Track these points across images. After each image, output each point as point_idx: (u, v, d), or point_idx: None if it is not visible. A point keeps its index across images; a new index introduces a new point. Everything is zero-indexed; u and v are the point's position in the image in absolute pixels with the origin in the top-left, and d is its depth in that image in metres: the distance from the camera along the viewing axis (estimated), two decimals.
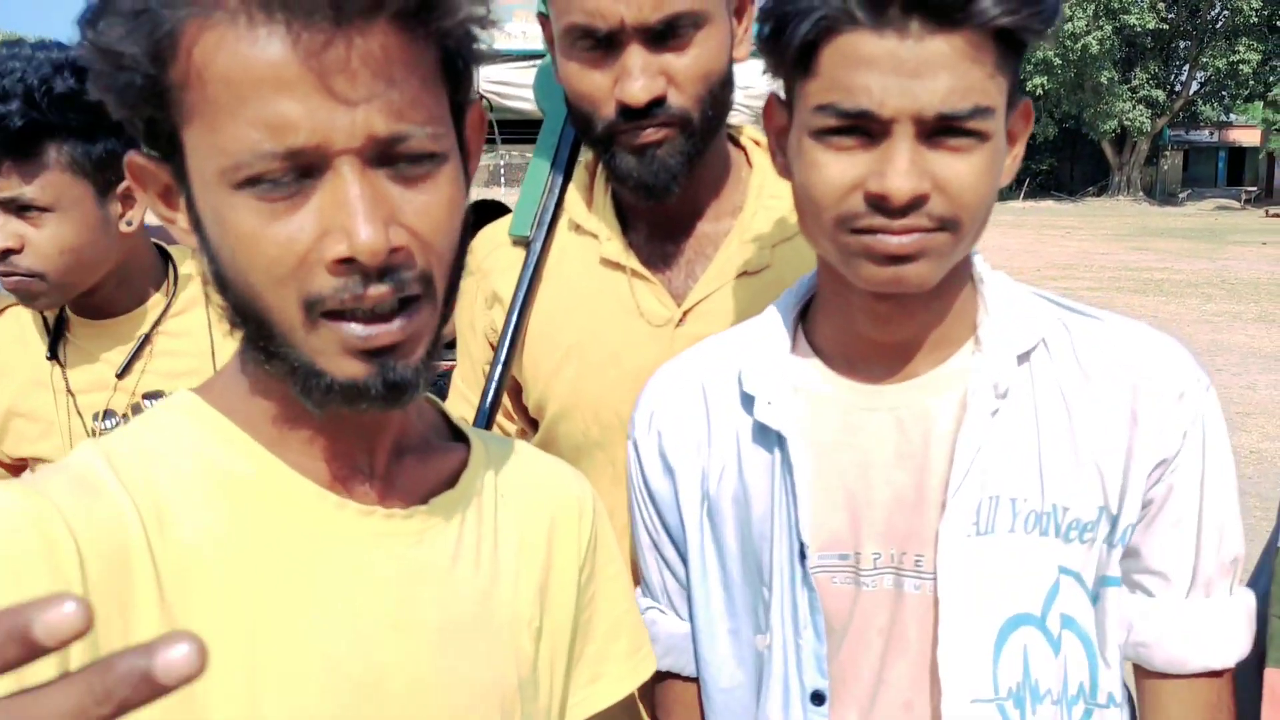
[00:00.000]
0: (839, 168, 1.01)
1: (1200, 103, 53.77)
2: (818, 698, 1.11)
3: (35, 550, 0.71)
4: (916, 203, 0.98)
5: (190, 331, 1.78)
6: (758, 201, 1.50)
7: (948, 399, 1.11)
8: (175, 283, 1.81)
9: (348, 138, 0.73)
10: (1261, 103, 45.89)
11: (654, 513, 1.26)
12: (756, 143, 1.57)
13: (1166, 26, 50.11)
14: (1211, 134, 56.82)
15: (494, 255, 1.60)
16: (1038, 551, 1.08)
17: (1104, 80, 50.65)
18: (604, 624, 1.06)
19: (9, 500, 0.74)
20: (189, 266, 1.82)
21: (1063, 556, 1.08)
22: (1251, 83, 47.69)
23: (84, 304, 1.74)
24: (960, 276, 1.12)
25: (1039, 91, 54.96)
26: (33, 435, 1.75)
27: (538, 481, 1.03)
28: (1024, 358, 1.11)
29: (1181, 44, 52.11)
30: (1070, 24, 49.81)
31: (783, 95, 1.10)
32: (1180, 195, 52.18)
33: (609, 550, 1.08)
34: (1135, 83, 51.48)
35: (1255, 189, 51.78)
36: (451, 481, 0.94)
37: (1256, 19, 46.26)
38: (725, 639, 1.21)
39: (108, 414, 1.73)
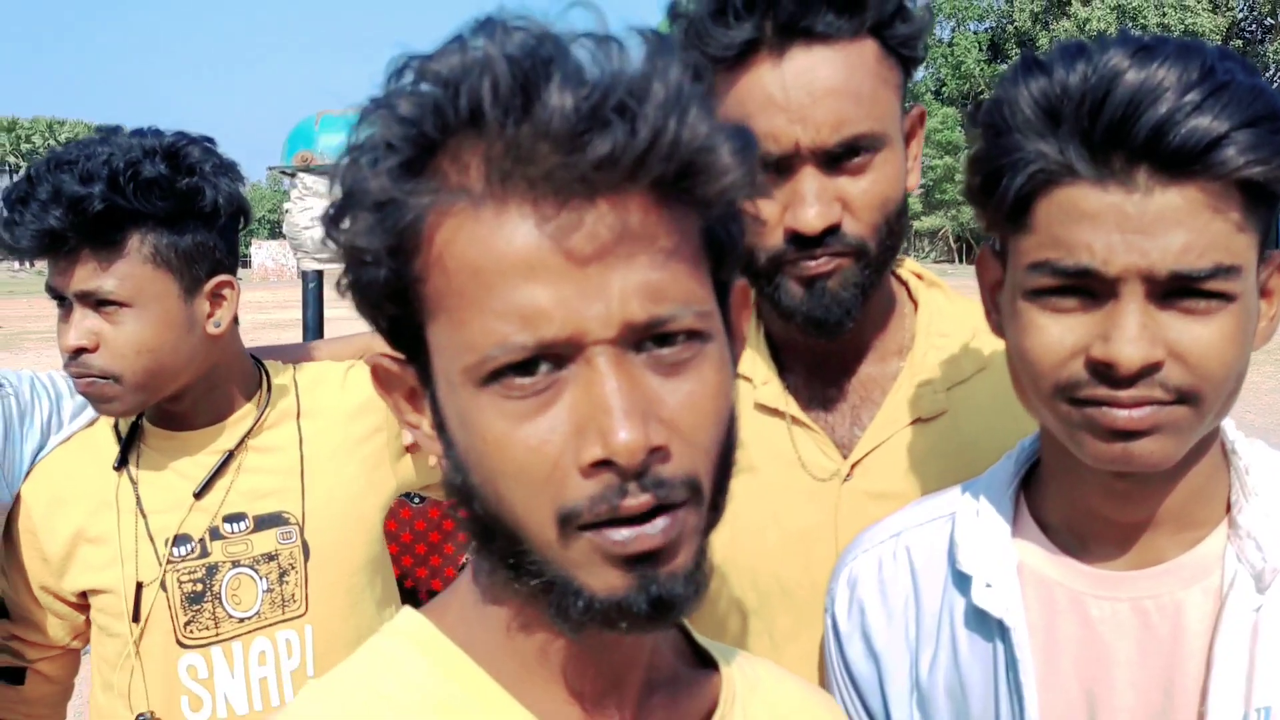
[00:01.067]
0: (1058, 331, 0.93)
1: None
2: None
3: None
4: (1147, 371, 0.89)
5: (281, 448, 1.68)
6: (927, 340, 1.39)
7: (1198, 590, 0.99)
8: (269, 393, 1.71)
9: (603, 326, 0.66)
10: None
11: (855, 696, 1.16)
12: (918, 275, 1.46)
13: None
14: None
15: None
16: None
17: None
18: None
19: None
20: (285, 377, 1.73)
21: None
22: None
23: (164, 412, 1.64)
24: (1209, 448, 1.01)
25: None
26: (97, 563, 1.61)
27: (786, 712, 0.91)
28: None
29: None
30: None
31: (996, 247, 1.02)
32: None
33: None
34: None
35: None
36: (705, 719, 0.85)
37: None
38: None
39: (182, 539, 1.62)
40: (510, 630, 0.77)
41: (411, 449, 1.76)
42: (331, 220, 0.71)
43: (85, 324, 1.50)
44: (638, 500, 0.67)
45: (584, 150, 0.63)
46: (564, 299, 0.65)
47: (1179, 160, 0.85)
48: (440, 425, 0.74)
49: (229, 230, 1.62)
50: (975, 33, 60.05)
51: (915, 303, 1.44)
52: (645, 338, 0.68)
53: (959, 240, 60.52)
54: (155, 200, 1.49)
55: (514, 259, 0.65)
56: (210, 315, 1.60)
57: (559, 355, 0.67)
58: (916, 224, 60.65)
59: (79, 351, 1.50)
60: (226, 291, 1.62)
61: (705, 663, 0.90)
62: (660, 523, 0.68)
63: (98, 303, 1.51)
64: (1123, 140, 0.87)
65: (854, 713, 1.16)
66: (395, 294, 0.71)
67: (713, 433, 0.71)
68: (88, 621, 1.70)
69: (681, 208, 0.68)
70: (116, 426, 1.68)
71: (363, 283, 0.71)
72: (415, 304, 0.71)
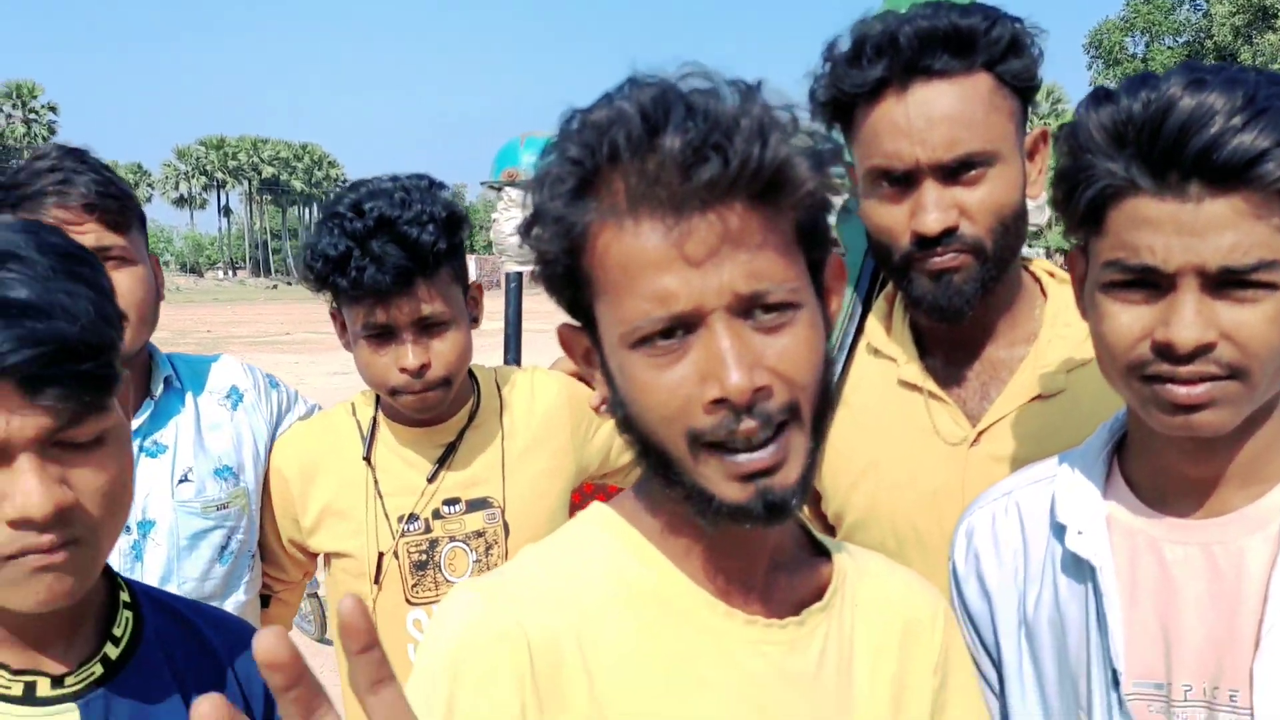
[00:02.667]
0: (1127, 319, 1.08)
1: None
2: None
3: (508, 671, 0.93)
4: (1202, 351, 1.03)
5: (486, 444, 1.92)
6: (1052, 330, 1.57)
7: (1260, 537, 1.12)
8: (479, 396, 1.95)
9: (716, 298, 0.88)
10: None
11: (972, 631, 1.32)
12: (1050, 273, 1.64)
13: None
14: None
15: None
16: None
17: None
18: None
19: (487, 614, 0.96)
20: (489, 383, 1.98)
21: None
22: None
23: (397, 411, 1.89)
24: (1270, 414, 1.13)
25: None
26: (342, 532, 1.89)
27: (891, 594, 1.11)
28: None
29: None
30: None
31: (1080, 245, 1.17)
32: None
33: (961, 658, 1.15)
34: None
35: None
36: (818, 594, 1.05)
37: None
38: None
39: (411, 518, 1.88)
40: (666, 528, 1.01)
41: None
42: (524, 231, 0.96)
43: (419, 345, 1.75)
44: (748, 426, 0.88)
45: (691, 177, 0.85)
46: (687, 284, 0.87)
47: (1225, 174, 1.00)
48: (608, 376, 0.97)
49: None
50: (1170, 48, 57.33)
51: (1045, 296, 1.62)
52: (750, 307, 0.89)
53: None
54: (460, 234, 1.77)
55: (649, 258, 0.88)
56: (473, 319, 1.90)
57: (688, 323, 0.89)
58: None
59: (422, 370, 1.75)
60: (477, 294, 1.91)
61: (823, 554, 1.10)
62: (771, 449, 0.90)
63: (427, 326, 1.76)
64: (1177, 159, 1.02)
65: (971, 645, 1.30)
66: (570, 283, 0.95)
67: (808, 375, 0.92)
68: (314, 564, 2.05)
69: (772, 210, 0.89)
70: (354, 414, 1.94)
71: (548, 275, 0.96)
72: (585, 289, 0.94)
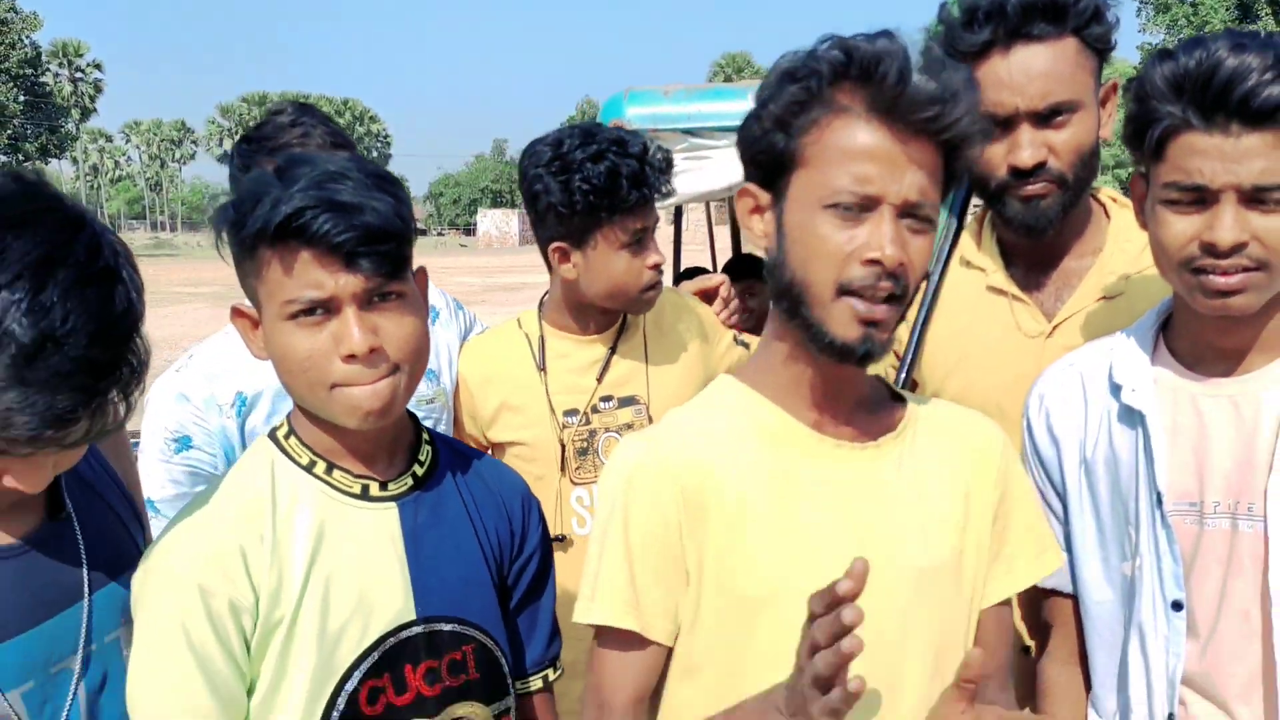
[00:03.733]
0: (1181, 226, 1.43)
1: None
2: (1177, 606, 1.47)
3: (668, 491, 1.33)
4: (1238, 248, 1.38)
5: (634, 351, 2.29)
6: (1115, 245, 1.93)
7: (1275, 390, 1.48)
8: (627, 315, 2.30)
9: (895, 196, 1.25)
10: None
11: (1041, 471, 1.69)
12: (1114, 199, 2.00)
13: None
14: None
15: None
16: None
17: None
18: (1017, 530, 1.46)
19: (651, 451, 1.37)
20: (662, 309, 2.33)
21: None
22: None
23: (574, 320, 2.27)
24: None
25: None
26: (515, 425, 2.25)
27: (958, 427, 1.47)
28: None
29: None
30: None
31: (1143, 171, 1.49)
32: None
33: (1019, 476, 1.49)
34: None
35: None
36: (893, 428, 1.41)
37: None
38: (1097, 565, 1.61)
39: (572, 412, 2.25)
40: (776, 384, 1.38)
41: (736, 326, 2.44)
42: (763, 100, 1.30)
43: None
44: (887, 284, 1.24)
45: (922, 112, 1.23)
46: (882, 176, 1.23)
47: (1260, 117, 1.34)
48: (779, 228, 1.32)
49: None
50: None
51: (1109, 217, 1.98)
52: (910, 212, 1.25)
53: None
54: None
55: (863, 149, 1.24)
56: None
57: (869, 204, 1.24)
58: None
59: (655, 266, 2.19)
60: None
61: (900, 401, 1.46)
62: (886, 308, 1.26)
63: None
64: (1223, 104, 1.35)
65: (1039, 482, 1.67)
66: (776, 156, 1.29)
67: (920, 271, 1.28)
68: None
69: (936, 147, 1.27)
70: (521, 328, 2.31)
71: (764, 144, 1.30)
72: (788, 160, 1.29)
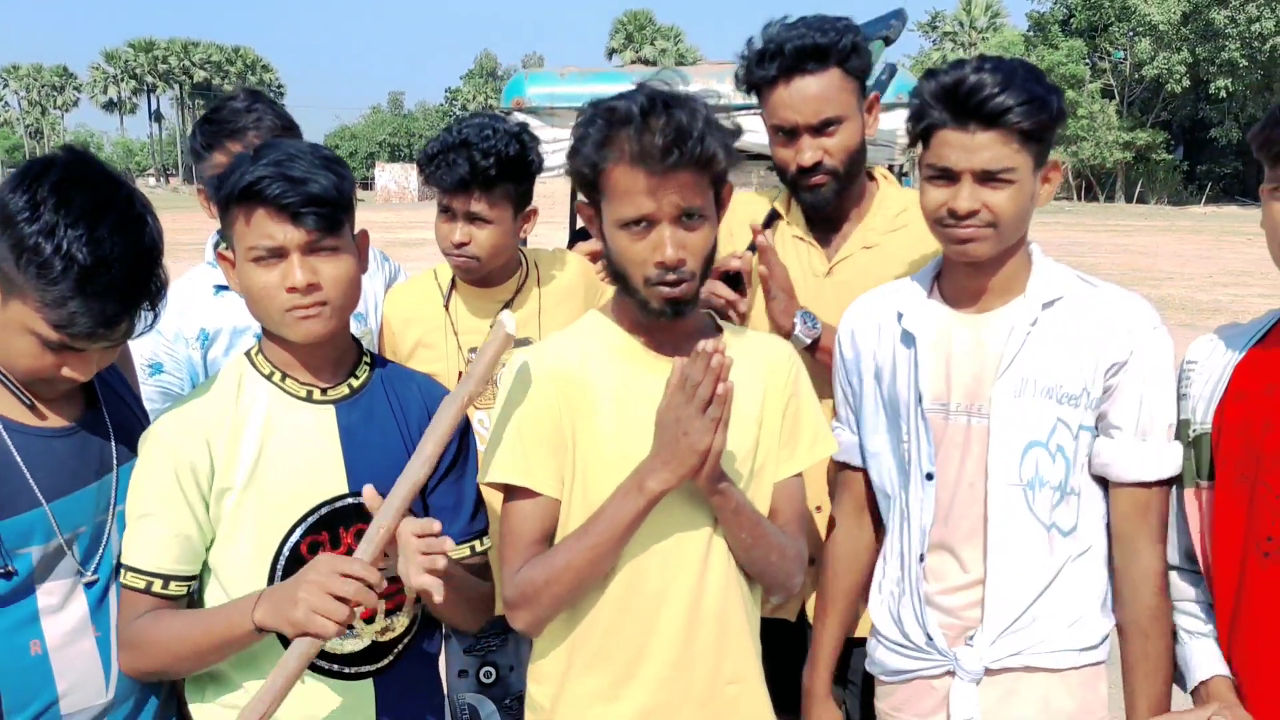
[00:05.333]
0: (936, 195, 1.93)
1: None
2: (930, 476, 2.00)
3: (548, 381, 1.83)
4: (972, 214, 1.89)
5: (530, 300, 2.74)
6: (877, 209, 2.54)
7: (1005, 323, 1.98)
8: (526, 267, 2.78)
9: (669, 211, 1.72)
10: None
11: (844, 375, 2.21)
12: (885, 176, 2.63)
13: None
14: None
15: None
16: (1046, 408, 1.93)
17: None
18: (801, 423, 1.95)
19: (536, 356, 1.86)
20: (530, 258, 2.81)
21: (1059, 412, 1.93)
22: None
23: (467, 279, 2.73)
24: (1018, 255, 2.00)
25: (1223, 94, 52.90)
26: (428, 359, 2.63)
27: (760, 347, 1.97)
28: (1049, 305, 1.97)
29: None
30: (1258, 24, 48.04)
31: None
32: None
33: (804, 383, 1.97)
34: None
35: None
36: None
37: None
38: (884, 442, 2.12)
39: (475, 350, 2.69)
40: (626, 318, 1.86)
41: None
42: (571, 155, 1.77)
43: (464, 230, 2.57)
44: (671, 278, 1.73)
45: (667, 157, 1.66)
46: (653, 202, 1.69)
47: (990, 119, 1.85)
48: (604, 240, 1.79)
49: None
50: None
51: (879, 188, 2.57)
52: (684, 218, 1.72)
53: (1079, 176, 59.45)
54: (515, 167, 2.59)
55: (635, 187, 1.69)
56: (521, 229, 2.73)
57: (646, 221, 1.71)
58: None
59: (461, 245, 2.57)
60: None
61: (719, 330, 1.94)
62: (683, 287, 1.74)
63: (471, 219, 2.55)
64: (965, 109, 1.84)
65: (843, 384, 2.20)
66: (590, 186, 1.76)
67: (703, 252, 1.78)
68: None
69: (703, 171, 1.71)
70: (436, 278, 2.76)
71: (579, 179, 1.78)
72: (598, 191, 1.75)
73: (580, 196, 1.88)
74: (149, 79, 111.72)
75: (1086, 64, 59.60)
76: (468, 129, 2.52)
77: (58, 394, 1.81)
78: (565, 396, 1.82)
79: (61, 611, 1.78)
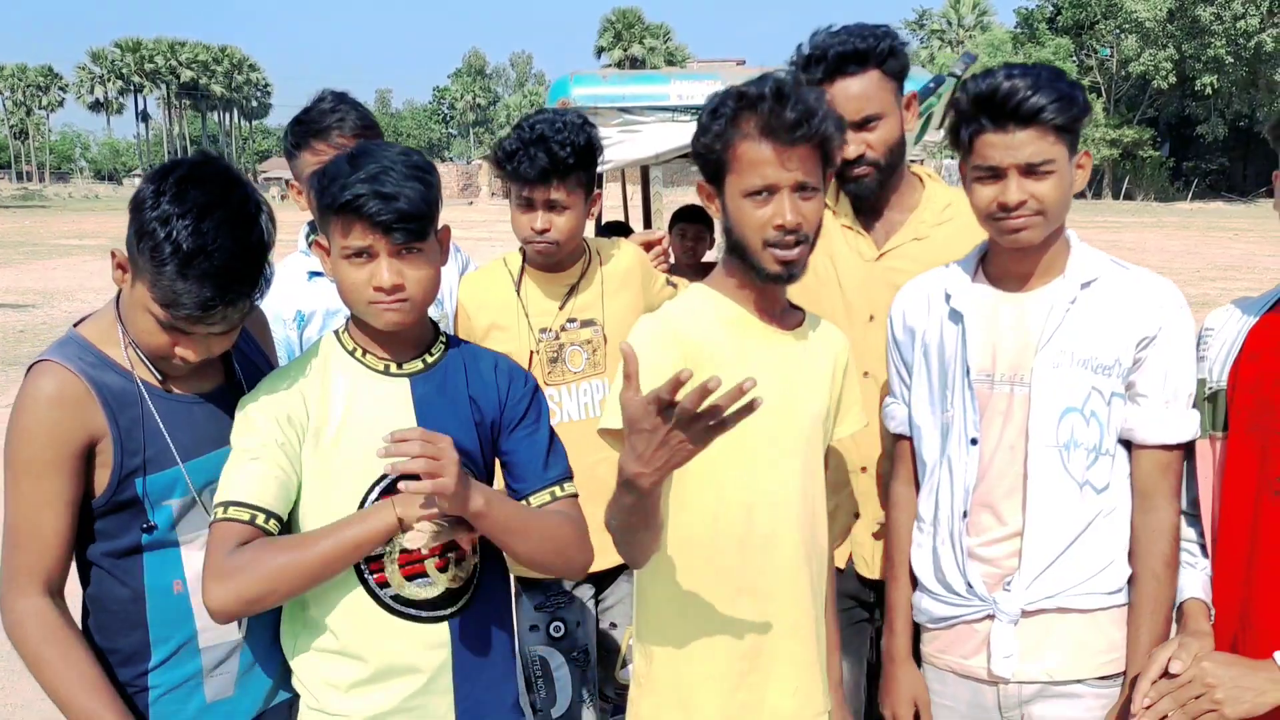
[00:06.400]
0: (985, 192, 2.13)
1: None
2: (974, 441, 2.22)
3: (670, 342, 2.02)
4: (1021, 205, 2.08)
5: (593, 285, 2.98)
6: (927, 204, 2.74)
7: (1046, 301, 2.19)
8: (589, 255, 3.01)
9: (789, 181, 1.95)
10: None
11: (897, 352, 2.43)
12: (929, 175, 2.84)
13: None
14: None
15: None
16: (1082, 377, 2.14)
17: (1279, 78, 48.97)
18: (847, 399, 2.26)
19: (659, 320, 2.08)
20: (592, 247, 3.03)
21: (1094, 381, 2.14)
22: None
23: (544, 264, 2.94)
24: (1059, 242, 2.21)
25: (1208, 90, 53.32)
26: (502, 340, 2.83)
27: (826, 331, 2.24)
28: (1086, 285, 2.17)
29: None
30: (1243, 21, 48.43)
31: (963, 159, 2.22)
32: None
33: (853, 368, 2.27)
34: None
35: None
36: (800, 325, 2.18)
37: None
38: (928, 413, 2.34)
39: (546, 330, 2.93)
40: (735, 289, 2.09)
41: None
42: (698, 134, 2.02)
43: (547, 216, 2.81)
44: (788, 240, 1.96)
45: (794, 131, 1.90)
46: (776, 172, 1.93)
47: (1025, 119, 2.06)
48: (725, 211, 2.02)
49: None
50: None
51: (924, 186, 2.78)
52: (802, 189, 1.95)
53: None
54: (586, 156, 2.84)
55: (761, 158, 1.93)
56: (590, 216, 2.95)
57: (771, 190, 1.94)
58: None
59: (543, 231, 2.80)
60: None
61: (800, 310, 2.20)
62: (796, 250, 1.98)
63: (550, 205, 2.79)
64: (1002, 112, 2.06)
65: (895, 361, 2.43)
66: (715, 163, 1.99)
67: (814, 222, 2.01)
68: None
69: (818, 150, 1.95)
70: (506, 265, 2.99)
71: (705, 158, 2.01)
72: (722, 165, 1.98)
73: (701, 178, 2.09)
74: (135, 79, 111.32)
75: (1073, 61, 59.98)
76: (540, 125, 2.74)
77: (179, 373, 2.02)
78: (687, 358, 2.00)
79: (198, 557, 1.97)
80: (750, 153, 1.96)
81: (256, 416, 1.98)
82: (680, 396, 1.55)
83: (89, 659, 1.92)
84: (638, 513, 1.80)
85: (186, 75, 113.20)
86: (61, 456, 1.89)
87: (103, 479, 1.93)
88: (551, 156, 2.72)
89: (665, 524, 2.02)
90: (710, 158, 2.02)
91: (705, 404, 1.54)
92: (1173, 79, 54.04)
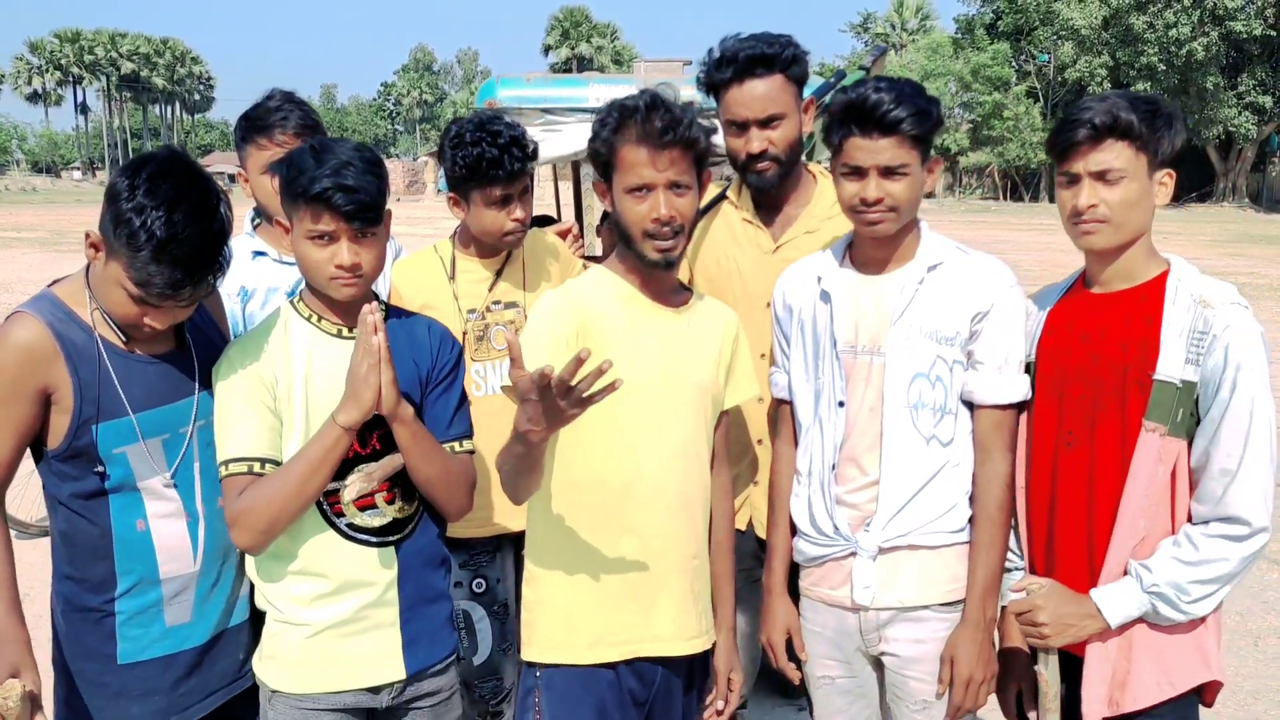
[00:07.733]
0: (849, 187, 2.45)
1: None
2: (841, 404, 2.55)
3: (568, 312, 2.38)
4: (878, 201, 2.40)
5: (517, 270, 3.23)
6: (819, 199, 3.05)
7: (898, 283, 2.52)
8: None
9: (663, 180, 2.30)
10: None
11: (779, 327, 2.76)
12: (821, 172, 3.11)
13: (1275, 33, 49.56)
14: None
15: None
16: (928, 347, 2.47)
17: (1209, 86, 50.13)
18: (738, 370, 2.58)
19: (560, 294, 2.47)
20: (527, 240, 3.27)
21: (938, 350, 2.47)
22: None
23: (475, 249, 3.20)
24: (912, 231, 2.54)
25: None
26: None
27: (714, 309, 2.58)
28: (932, 268, 2.51)
29: None
30: (1175, 30, 49.68)
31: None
32: None
33: (743, 343, 2.61)
34: (1242, 88, 50.82)
35: None
36: (686, 304, 2.50)
37: None
38: (803, 381, 2.66)
39: (473, 311, 3.19)
40: (628, 270, 2.44)
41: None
42: (591, 141, 2.37)
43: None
44: (665, 230, 2.32)
45: (663, 136, 2.26)
46: (652, 173, 2.28)
47: (887, 128, 2.37)
48: (615, 206, 2.36)
49: None
50: None
51: (817, 182, 3.08)
52: (676, 188, 2.31)
53: (1005, 177, 60.99)
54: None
55: (639, 160, 2.29)
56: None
57: (648, 188, 2.30)
58: (964, 160, 61.17)
59: (520, 220, 3.10)
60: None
61: (689, 290, 2.54)
62: (672, 240, 2.33)
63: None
64: (868, 120, 2.39)
65: (778, 335, 2.74)
66: (604, 162, 2.35)
67: (689, 214, 2.37)
68: None
69: (692, 154, 2.32)
70: (437, 251, 3.28)
71: (596, 160, 2.37)
72: (610, 168, 2.34)
73: (595, 176, 2.42)
74: (75, 70, 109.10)
75: (1012, 67, 61.21)
76: (500, 128, 3.00)
77: (145, 337, 2.30)
78: (583, 326, 2.34)
79: (158, 500, 2.29)
80: (629, 155, 2.30)
81: (235, 383, 2.30)
82: (579, 377, 1.91)
83: (6, 559, 2.21)
84: (526, 459, 2.18)
85: (127, 67, 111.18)
86: (18, 394, 2.17)
87: (62, 424, 2.21)
88: (524, 155, 3.04)
89: (558, 471, 2.41)
90: (600, 159, 2.37)
91: (577, 377, 1.90)
92: (1108, 85, 55.25)
